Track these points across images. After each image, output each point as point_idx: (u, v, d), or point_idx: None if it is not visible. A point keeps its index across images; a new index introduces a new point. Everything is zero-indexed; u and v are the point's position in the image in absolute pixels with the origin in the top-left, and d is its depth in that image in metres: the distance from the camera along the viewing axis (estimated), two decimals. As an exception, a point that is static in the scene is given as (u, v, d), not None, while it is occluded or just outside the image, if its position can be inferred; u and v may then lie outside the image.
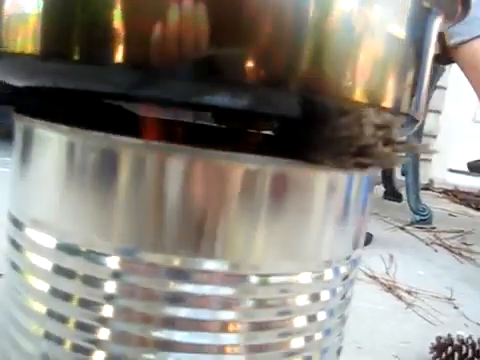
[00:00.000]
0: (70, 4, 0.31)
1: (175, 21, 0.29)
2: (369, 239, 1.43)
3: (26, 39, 0.33)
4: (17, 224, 0.39)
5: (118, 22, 0.30)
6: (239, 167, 0.33)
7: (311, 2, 0.30)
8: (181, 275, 0.34)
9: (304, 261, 0.38)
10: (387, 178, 2.03)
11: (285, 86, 0.30)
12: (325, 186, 0.36)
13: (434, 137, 2.95)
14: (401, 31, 0.34)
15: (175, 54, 0.29)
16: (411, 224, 1.73)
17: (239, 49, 0.30)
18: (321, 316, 0.41)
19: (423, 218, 1.74)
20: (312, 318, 0.40)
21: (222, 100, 0.30)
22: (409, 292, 1.13)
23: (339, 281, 0.41)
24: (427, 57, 0.38)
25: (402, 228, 1.68)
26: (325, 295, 0.40)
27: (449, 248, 1.55)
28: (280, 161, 0.33)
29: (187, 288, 0.34)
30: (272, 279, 0.36)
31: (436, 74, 1.67)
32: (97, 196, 0.34)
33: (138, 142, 0.32)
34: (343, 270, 0.42)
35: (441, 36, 1.51)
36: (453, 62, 1.38)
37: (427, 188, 2.64)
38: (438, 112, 2.92)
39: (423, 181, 2.43)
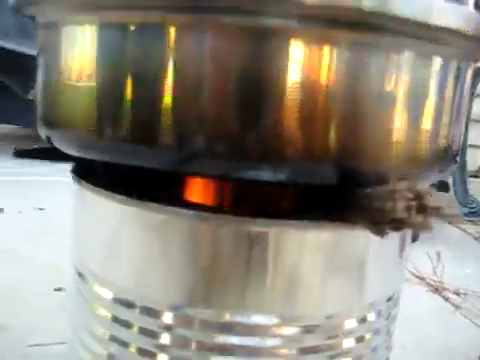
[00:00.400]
0: (121, 88, 0.33)
1: (215, 105, 0.31)
2: (416, 236, 1.43)
3: (79, 116, 0.36)
4: (79, 274, 0.43)
5: (164, 106, 0.32)
6: (281, 232, 0.35)
7: (342, 79, 0.32)
8: (229, 328, 0.37)
9: (348, 308, 0.39)
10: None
11: (323, 159, 0.32)
12: (363, 242, 0.38)
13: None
14: (434, 94, 0.35)
15: (216, 135, 0.32)
16: (459, 217, 1.71)
17: (277, 127, 0.31)
18: (367, 356, 0.43)
19: (471, 210, 1.71)
20: (358, 357, 0.42)
21: (262, 175, 0.32)
22: (457, 293, 1.13)
23: (383, 321, 0.43)
24: (463, 106, 0.39)
25: (449, 222, 1.67)
26: (369, 335, 0.42)
27: (498, 243, 1.53)
28: (318, 224, 0.35)
29: (235, 340, 0.37)
30: (317, 328, 0.38)
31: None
32: (149, 257, 0.37)
33: (187, 212, 0.34)
34: (386, 310, 0.43)
35: None
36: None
37: (476, 175, 2.59)
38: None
39: (471, 168, 2.38)
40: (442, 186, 2.09)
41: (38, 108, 0.41)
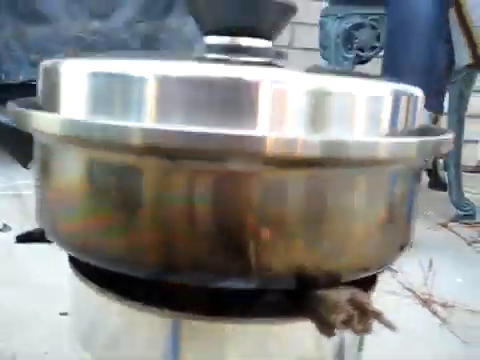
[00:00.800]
0: (106, 210, 0.38)
1: (193, 230, 0.37)
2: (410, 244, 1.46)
3: (68, 226, 0.41)
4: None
5: (145, 231, 0.37)
6: (249, 328, 0.40)
7: (299, 207, 0.37)
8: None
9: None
10: (430, 170, 2.02)
11: (285, 272, 0.38)
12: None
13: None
14: (382, 207, 0.40)
15: (192, 255, 0.37)
16: (455, 220, 1.73)
17: (245, 248, 0.37)
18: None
19: (466, 213, 1.75)
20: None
21: (236, 284, 0.38)
22: (444, 306, 1.15)
23: None
24: (410, 205, 0.44)
25: (444, 225, 1.69)
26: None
27: (492, 248, 1.54)
28: (280, 320, 0.41)
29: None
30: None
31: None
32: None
33: (164, 313, 0.40)
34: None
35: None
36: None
37: (476, 171, 2.58)
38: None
39: (471, 163, 2.40)
40: (440, 185, 2.12)
41: (36, 204, 0.46)
